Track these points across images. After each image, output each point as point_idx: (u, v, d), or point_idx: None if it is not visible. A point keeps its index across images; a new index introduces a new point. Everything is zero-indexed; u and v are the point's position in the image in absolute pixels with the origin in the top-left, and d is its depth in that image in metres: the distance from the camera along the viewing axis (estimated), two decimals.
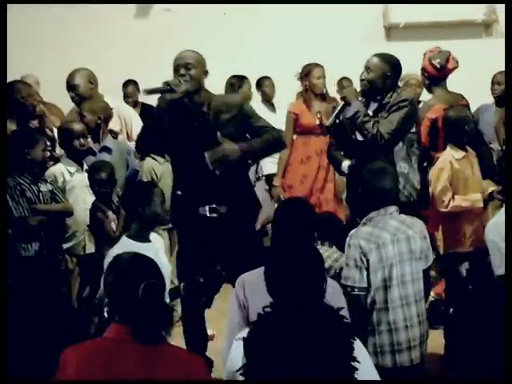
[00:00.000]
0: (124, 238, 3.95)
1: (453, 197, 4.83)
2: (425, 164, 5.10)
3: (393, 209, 3.74)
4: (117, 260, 2.75)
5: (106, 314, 2.61)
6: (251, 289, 3.22)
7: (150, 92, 4.28)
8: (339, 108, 4.71)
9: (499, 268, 3.90)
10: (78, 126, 5.13)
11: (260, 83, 7.47)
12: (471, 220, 4.91)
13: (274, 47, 8.01)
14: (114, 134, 5.51)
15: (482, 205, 4.87)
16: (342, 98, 4.70)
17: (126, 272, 2.60)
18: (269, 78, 7.48)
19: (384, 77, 4.67)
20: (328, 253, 4.30)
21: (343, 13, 8.03)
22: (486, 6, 8.06)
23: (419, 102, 6.39)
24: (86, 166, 5.09)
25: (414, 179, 4.74)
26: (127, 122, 5.74)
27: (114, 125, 5.56)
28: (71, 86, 5.52)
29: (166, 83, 4.20)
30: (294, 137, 6.32)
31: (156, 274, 2.62)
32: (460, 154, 4.90)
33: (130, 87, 7.42)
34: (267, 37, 8.19)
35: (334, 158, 5.05)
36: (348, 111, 4.66)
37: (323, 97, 6.30)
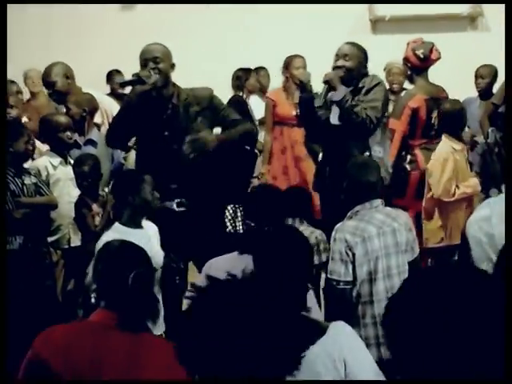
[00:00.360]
0: (116, 224, 3.93)
1: (457, 186, 4.92)
2: (403, 153, 5.15)
3: (378, 202, 3.74)
4: (107, 247, 2.75)
5: (93, 300, 2.61)
6: (217, 274, 3.23)
7: (123, 84, 4.29)
8: (325, 91, 4.64)
9: (483, 262, 3.91)
10: (63, 119, 5.09)
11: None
12: (463, 212, 4.97)
13: (259, 41, 8.00)
14: (97, 127, 5.48)
15: (480, 188, 4.97)
16: (326, 82, 4.63)
17: (116, 260, 2.61)
18: (264, 68, 7.44)
19: (360, 64, 4.73)
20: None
21: (329, 6, 8.02)
22: None
23: (402, 89, 6.43)
24: (70, 159, 5.06)
25: (388, 163, 4.79)
26: (108, 113, 5.65)
27: (95, 117, 5.53)
28: (48, 83, 5.43)
29: (137, 75, 4.19)
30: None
31: (146, 263, 2.63)
32: (459, 145, 4.99)
33: (116, 77, 7.33)
34: (252, 32, 8.17)
35: (312, 150, 5.06)
36: (335, 95, 4.61)
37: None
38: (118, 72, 7.39)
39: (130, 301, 2.50)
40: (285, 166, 6.24)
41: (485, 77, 6.36)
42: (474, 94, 6.45)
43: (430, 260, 5.08)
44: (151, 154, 4.34)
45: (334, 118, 4.65)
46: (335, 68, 4.70)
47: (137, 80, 4.19)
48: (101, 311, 2.55)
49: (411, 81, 5.40)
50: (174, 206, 4.28)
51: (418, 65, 5.27)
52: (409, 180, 5.18)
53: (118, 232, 3.76)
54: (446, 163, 4.95)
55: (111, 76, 7.46)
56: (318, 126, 4.72)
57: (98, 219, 4.69)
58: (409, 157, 5.19)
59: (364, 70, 4.75)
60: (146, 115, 4.26)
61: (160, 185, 4.12)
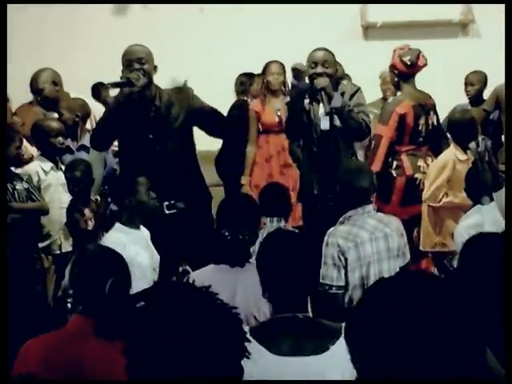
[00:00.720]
0: (117, 224, 3.95)
1: (446, 193, 4.92)
2: (389, 159, 5.15)
3: (370, 207, 3.74)
4: (84, 251, 2.72)
5: (69, 305, 2.58)
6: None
7: (114, 85, 4.28)
8: (326, 98, 4.60)
9: None
10: (54, 124, 5.08)
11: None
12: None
13: (251, 46, 8.00)
14: (89, 132, 5.45)
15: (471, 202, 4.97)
16: (321, 89, 4.60)
17: (93, 265, 2.58)
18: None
19: (336, 70, 4.79)
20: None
21: (321, 12, 8.04)
22: (462, 5, 8.11)
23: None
24: (61, 165, 5.04)
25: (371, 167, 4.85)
26: (97, 119, 5.65)
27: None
28: (36, 91, 5.40)
29: (127, 77, 4.19)
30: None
31: (123, 270, 2.60)
32: (464, 156, 5.00)
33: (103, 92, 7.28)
34: (244, 35, 8.18)
35: (296, 156, 5.05)
36: (334, 102, 4.58)
37: (286, 93, 6.14)
38: (102, 85, 7.34)
39: (107, 308, 2.46)
40: (269, 173, 6.17)
41: (474, 84, 6.38)
42: (466, 100, 6.46)
43: (433, 267, 5.09)
44: (135, 156, 4.34)
45: (325, 124, 4.65)
46: (315, 75, 4.64)
47: (126, 82, 4.19)
48: (77, 318, 2.53)
49: (398, 88, 5.41)
50: (164, 208, 4.27)
51: (405, 71, 5.28)
52: (394, 186, 5.18)
53: (121, 231, 3.82)
54: (442, 170, 4.97)
55: (97, 89, 7.39)
56: (302, 119, 4.71)
57: (90, 224, 4.68)
58: (395, 163, 5.19)
59: (336, 75, 4.78)
60: (129, 117, 4.26)
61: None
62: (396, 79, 5.38)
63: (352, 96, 4.68)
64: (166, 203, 4.27)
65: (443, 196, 4.96)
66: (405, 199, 5.15)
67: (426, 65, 5.30)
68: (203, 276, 2.99)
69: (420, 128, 5.20)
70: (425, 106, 5.25)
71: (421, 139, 5.22)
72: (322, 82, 4.59)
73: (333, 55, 4.75)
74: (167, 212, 4.28)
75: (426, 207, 5.09)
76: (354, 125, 4.59)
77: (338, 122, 4.62)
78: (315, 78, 4.63)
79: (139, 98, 4.26)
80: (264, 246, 2.58)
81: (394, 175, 5.18)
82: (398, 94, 5.52)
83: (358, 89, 4.77)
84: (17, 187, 4.69)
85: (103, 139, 4.57)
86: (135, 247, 3.80)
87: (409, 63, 5.22)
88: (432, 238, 5.09)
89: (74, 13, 8.27)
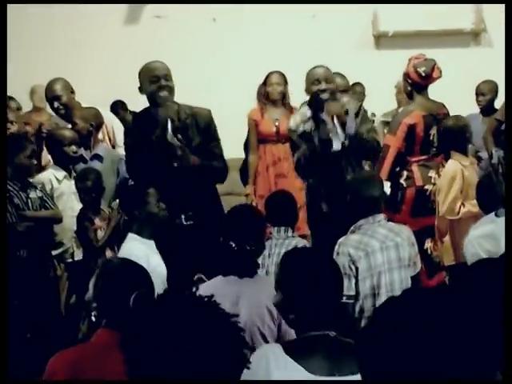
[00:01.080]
0: (130, 234, 3.98)
1: (463, 204, 4.87)
2: (397, 169, 5.15)
3: (381, 217, 3.75)
4: (108, 264, 2.74)
5: (93, 318, 2.59)
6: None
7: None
8: (338, 127, 4.67)
9: None
10: (67, 133, 5.11)
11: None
12: None
13: (263, 56, 8.02)
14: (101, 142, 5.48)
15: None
16: (335, 117, 4.67)
17: (118, 279, 2.59)
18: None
19: (337, 87, 4.90)
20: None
21: (332, 21, 8.06)
22: (474, 15, 8.11)
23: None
24: (74, 174, 5.07)
25: None
26: (109, 128, 5.65)
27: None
28: (55, 97, 5.41)
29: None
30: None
31: (147, 283, 2.61)
32: (467, 160, 4.98)
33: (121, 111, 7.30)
34: (256, 46, 8.20)
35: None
36: (349, 128, 4.67)
37: (286, 104, 6.18)
38: (121, 103, 7.38)
39: (131, 321, 2.48)
40: (268, 183, 6.19)
41: (485, 93, 6.38)
42: (478, 110, 6.46)
43: (447, 278, 5.06)
44: (151, 169, 4.33)
45: (337, 145, 4.67)
46: (321, 91, 4.72)
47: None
48: (102, 331, 2.54)
49: (411, 97, 5.40)
50: (183, 219, 4.29)
51: (419, 82, 5.27)
52: (404, 196, 5.17)
53: (136, 240, 3.86)
54: (452, 181, 4.91)
55: (116, 106, 7.42)
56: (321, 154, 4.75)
57: (100, 233, 4.70)
58: (405, 173, 5.19)
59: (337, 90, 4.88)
60: (149, 132, 4.28)
61: (167, 202, 4.13)
62: (409, 88, 5.38)
63: (357, 114, 4.76)
64: (184, 215, 4.29)
65: (460, 207, 4.91)
66: (415, 210, 5.14)
67: (440, 77, 5.29)
68: (211, 287, 2.99)
69: (431, 138, 5.19)
70: (437, 116, 5.23)
71: (433, 149, 5.21)
72: (334, 109, 4.67)
73: (330, 71, 4.86)
74: (185, 223, 4.29)
75: (443, 222, 5.01)
76: (366, 144, 4.72)
77: (347, 142, 4.69)
78: (320, 94, 4.71)
79: (159, 115, 4.27)
80: (285, 268, 2.48)
81: (405, 186, 5.18)
82: (410, 103, 5.52)
83: (361, 105, 4.87)
84: (30, 195, 4.72)
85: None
86: (156, 257, 3.84)
87: (423, 74, 5.20)
88: (451, 252, 5.03)
89: (83, 20, 8.30)
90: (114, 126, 5.70)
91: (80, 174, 4.89)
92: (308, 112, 4.77)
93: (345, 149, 4.67)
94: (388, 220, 3.93)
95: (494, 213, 4.03)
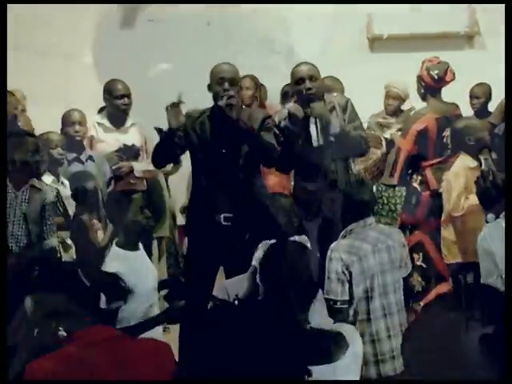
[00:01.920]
0: (113, 247, 3.93)
1: (466, 197, 4.86)
2: (409, 171, 5.15)
3: (372, 220, 3.76)
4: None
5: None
6: (230, 293, 3.24)
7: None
8: (320, 128, 4.52)
9: (491, 277, 3.88)
10: (54, 136, 5.10)
11: None
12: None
13: (257, 58, 8.02)
14: (136, 150, 5.50)
15: None
16: (318, 116, 4.49)
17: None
18: (262, 85, 7.41)
19: (322, 83, 4.73)
20: None
21: (327, 24, 8.06)
22: (468, 18, 8.12)
23: (396, 112, 6.41)
24: (62, 178, 5.05)
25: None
26: (147, 139, 5.64)
27: (135, 141, 5.57)
28: (124, 95, 5.48)
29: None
30: None
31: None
32: (473, 163, 4.96)
33: None
34: (250, 48, 8.19)
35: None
36: (333, 128, 4.52)
37: (262, 106, 6.18)
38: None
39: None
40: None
41: (479, 96, 6.38)
42: (472, 112, 6.46)
43: (450, 278, 5.06)
44: (206, 170, 4.39)
45: (316, 141, 4.52)
46: (303, 90, 4.53)
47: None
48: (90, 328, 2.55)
49: (424, 99, 5.39)
50: (222, 219, 4.29)
51: (432, 85, 5.27)
52: (419, 200, 5.17)
53: (116, 259, 3.77)
54: (456, 178, 4.90)
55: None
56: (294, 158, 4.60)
57: (100, 235, 4.69)
58: (419, 178, 5.19)
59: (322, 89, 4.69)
60: (204, 132, 4.38)
61: (209, 200, 4.27)
62: (422, 91, 5.38)
63: (344, 109, 4.64)
64: (224, 215, 4.30)
65: (464, 201, 4.89)
66: (430, 212, 5.14)
67: (453, 80, 5.29)
68: (234, 284, 3.04)
69: (445, 140, 5.19)
70: (450, 118, 5.24)
71: (448, 151, 5.20)
72: (318, 109, 4.49)
73: (317, 69, 4.65)
74: (224, 223, 4.30)
75: (447, 218, 5.01)
76: (353, 143, 4.59)
77: (332, 138, 4.55)
78: (304, 92, 4.52)
79: (225, 117, 4.28)
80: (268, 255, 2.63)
81: (419, 190, 5.18)
82: (423, 105, 5.49)
83: (348, 100, 4.70)
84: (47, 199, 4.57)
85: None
86: (133, 277, 3.71)
87: (436, 77, 5.21)
88: (454, 249, 5.02)
89: (81, 24, 8.29)
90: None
91: (77, 176, 4.89)
92: (285, 111, 4.57)
93: (330, 146, 4.55)
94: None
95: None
